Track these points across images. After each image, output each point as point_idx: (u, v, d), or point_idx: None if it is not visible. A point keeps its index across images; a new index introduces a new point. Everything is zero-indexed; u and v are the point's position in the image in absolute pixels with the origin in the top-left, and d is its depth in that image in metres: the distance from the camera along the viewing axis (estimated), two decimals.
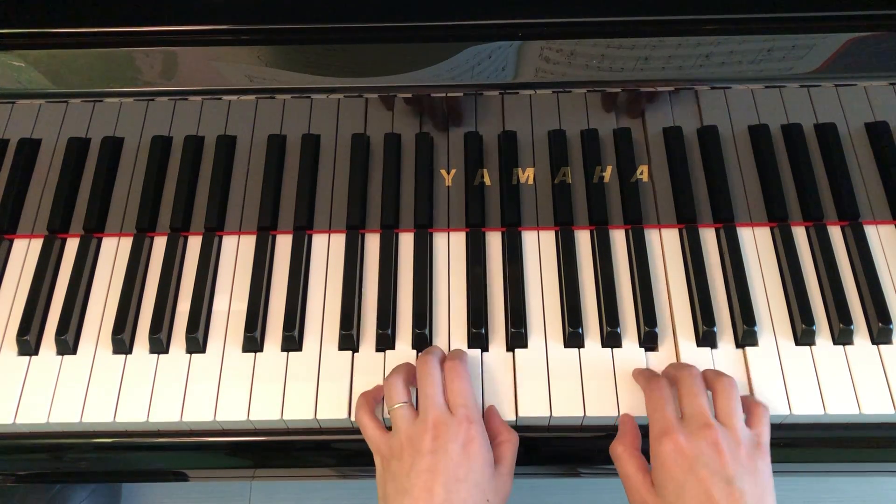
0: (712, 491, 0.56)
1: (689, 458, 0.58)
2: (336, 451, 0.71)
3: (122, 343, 0.71)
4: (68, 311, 0.72)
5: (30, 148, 0.76)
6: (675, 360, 0.70)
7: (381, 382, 0.69)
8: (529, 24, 0.67)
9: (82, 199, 0.77)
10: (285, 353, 0.71)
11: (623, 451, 0.63)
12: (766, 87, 0.70)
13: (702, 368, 0.67)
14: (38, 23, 0.67)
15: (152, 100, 0.71)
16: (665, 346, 0.70)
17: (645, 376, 0.66)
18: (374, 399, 0.67)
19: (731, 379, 0.63)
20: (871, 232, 0.76)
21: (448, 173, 0.76)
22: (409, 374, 0.66)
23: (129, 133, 0.75)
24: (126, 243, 0.77)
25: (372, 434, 0.64)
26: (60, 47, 0.67)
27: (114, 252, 0.77)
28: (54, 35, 0.67)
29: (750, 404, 0.64)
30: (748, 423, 0.62)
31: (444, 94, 0.70)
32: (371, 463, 0.64)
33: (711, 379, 0.64)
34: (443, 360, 0.67)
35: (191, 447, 0.71)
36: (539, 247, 0.76)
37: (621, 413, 0.67)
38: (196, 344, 0.71)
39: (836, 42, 0.66)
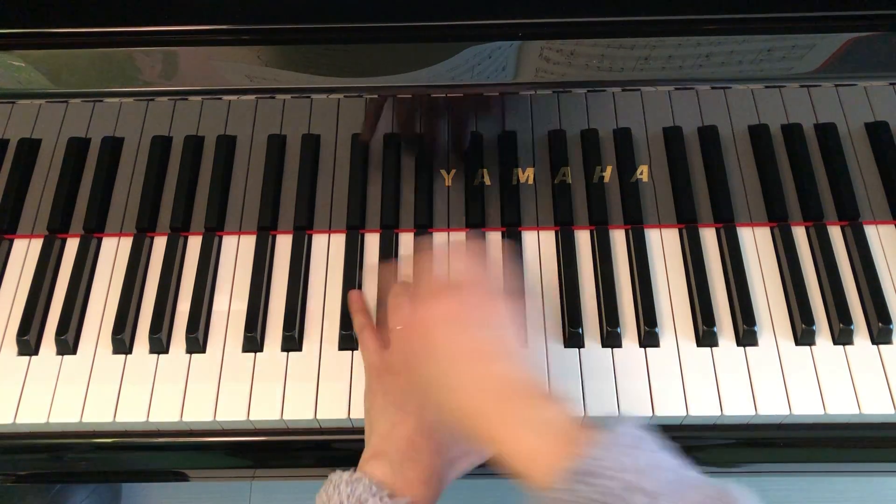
0: (482, 342, 0.55)
1: (458, 316, 0.56)
2: (336, 451, 0.71)
3: (122, 343, 0.71)
4: (68, 311, 0.72)
5: (30, 148, 0.76)
6: (675, 360, 0.70)
7: None
8: (529, 24, 0.67)
9: (82, 199, 0.77)
10: (285, 353, 0.71)
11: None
12: (766, 87, 0.70)
13: (702, 369, 0.68)
14: (38, 23, 0.67)
15: (152, 100, 0.71)
16: (665, 345, 0.70)
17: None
18: (376, 331, 0.67)
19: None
20: (871, 232, 0.76)
21: (448, 173, 0.76)
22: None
23: (129, 133, 0.75)
24: (126, 243, 0.77)
25: (370, 345, 0.65)
26: (60, 47, 0.67)
27: (114, 252, 0.77)
28: (54, 35, 0.67)
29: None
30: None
31: (444, 94, 0.70)
32: None
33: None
34: None
35: (191, 447, 0.71)
36: (539, 247, 0.76)
37: (622, 414, 0.67)
38: (196, 344, 0.71)
39: (836, 42, 0.66)
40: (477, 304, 0.57)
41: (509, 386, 0.52)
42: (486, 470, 0.61)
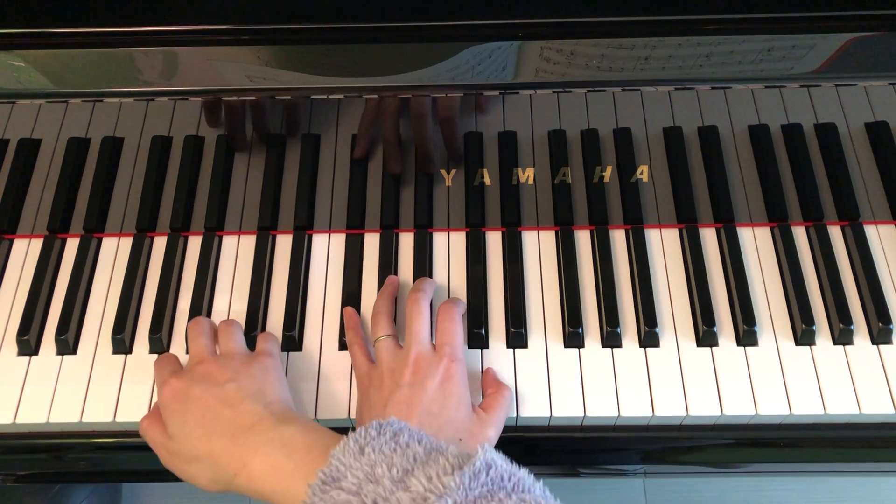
0: (208, 399, 0.59)
1: (183, 389, 0.61)
2: None
3: (122, 343, 0.71)
4: (68, 311, 0.72)
5: (30, 148, 0.76)
6: (675, 360, 0.70)
7: None
8: (529, 24, 0.67)
9: (82, 199, 0.77)
10: (285, 353, 0.71)
11: (147, 423, 0.64)
12: (766, 87, 0.70)
13: (702, 369, 0.68)
14: (38, 23, 0.67)
15: (152, 100, 0.71)
16: (665, 345, 0.70)
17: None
18: (360, 334, 0.69)
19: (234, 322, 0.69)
20: (871, 232, 0.76)
21: (448, 173, 0.76)
22: (393, 306, 0.69)
23: (129, 133, 0.75)
24: (126, 243, 0.77)
25: (358, 361, 0.67)
26: (60, 47, 0.67)
27: (114, 252, 0.77)
28: (54, 35, 0.67)
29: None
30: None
31: (443, 94, 0.70)
32: None
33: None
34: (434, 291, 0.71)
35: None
36: (539, 247, 0.76)
37: (621, 415, 0.67)
38: None
39: (836, 42, 0.66)
40: (227, 367, 0.62)
41: (250, 422, 0.57)
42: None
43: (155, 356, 0.71)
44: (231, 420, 0.58)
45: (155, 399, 0.68)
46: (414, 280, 0.73)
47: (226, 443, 0.57)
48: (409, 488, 0.47)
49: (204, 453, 0.58)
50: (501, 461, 0.49)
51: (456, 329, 0.66)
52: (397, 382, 0.62)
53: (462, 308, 0.70)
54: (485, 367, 0.69)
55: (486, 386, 0.67)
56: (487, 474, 0.48)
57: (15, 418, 0.68)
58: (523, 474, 0.49)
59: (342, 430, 0.69)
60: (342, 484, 0.48)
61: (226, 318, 0.73)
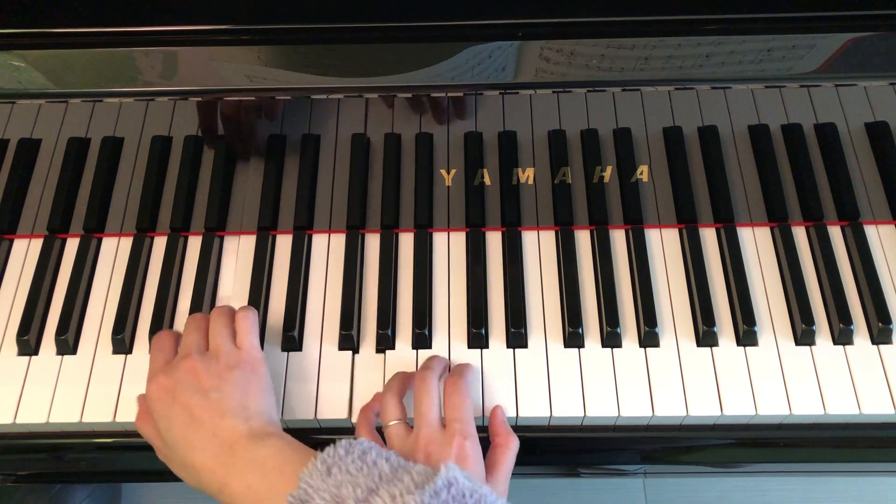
0: (192, 408, 0.59)
1: (169, 389, 0.61)
2: None
3: (122, 343, 0.71)
4: (68, 311, 0.72)
5: (30, 148, 0.76)
6: (675, 360, 0.70)
7: (381, 382, 0.69)
8: (529, 24, 0.67)
9: (82, 199, 0.77)
10: (285, 353, 0.71)
11: (141, 422, 0.64)
12: (766, 87, 0.70)
13: (702, 369, 0.68)
14: (38, 23, 0.67)
15: (152, 100, 0.71)
16: (665, 346, 0.70)
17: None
18: (373, 411, 0.67)
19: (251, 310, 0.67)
20: (871, 232, 0.76)
21: (448, 173, 0.76)
22: (405, 386, 0.66)
23: (128, 133, 0.75)
24: (126, 243, 0.77)
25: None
26: (60, 47, 0.67)
27: (114, 252, 0.77)
28: (54, 35, 0.67)
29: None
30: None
31: (443, 94, 0.70)
32: None
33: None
34: (443, 368, 0.67)
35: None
36: (539, 247, 0.76)
37: (621, 415, 0.67)
38: None
39: (836, 42, 0.66)
40: (213, 371, 0.62)
41: (230, 440, 0.58)
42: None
43: None
44: (213, 436, 0.58)
45: None
46: (415, 278, 0.73)
47: (208, 460, 0.58)
48: None
49: (190, 464, 0.59)
50: (463, 479, 0.50)
51: (464, 404, 0.63)
52: None
53: (469, 377, 0.67)
54: (493, 405, 0.67)
55: (495, 434, 0.65)
56: (448, 491, 0.48)
57: (15, 418, 0.68)
58: (486, 491, 0.50)
59: (343, 430, 0.69)
60: (311, 498, 0.50)
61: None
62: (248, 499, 0.55)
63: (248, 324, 0.66)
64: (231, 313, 0.68)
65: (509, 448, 0.64)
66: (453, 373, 0.66)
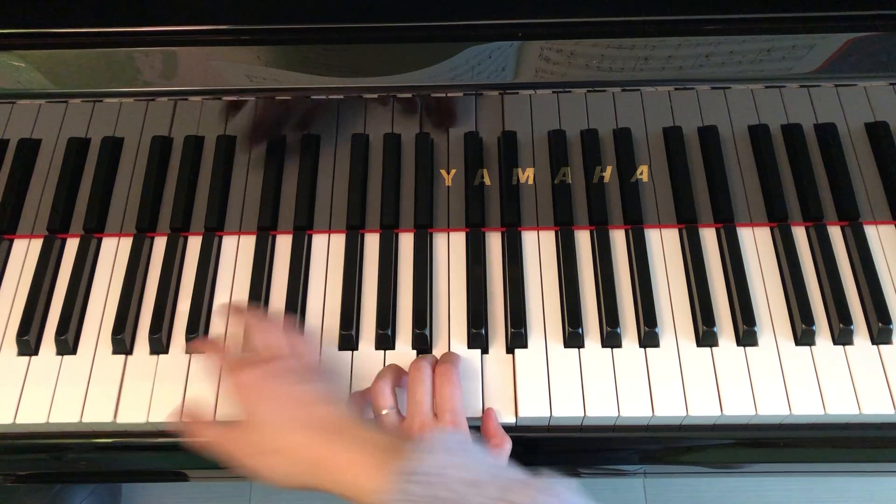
0: (287, 400, 0.59)
1: (259, 382, 0.61)
2: None
3: (122, 343, 0.71)
4: (68, 311, 0.72)
5: (30, 148, 0.76)
6: (675, 361, 0.70)
7: None
8: (529, 24, 0.67)
9: (82, 199, 0.77)
10: None
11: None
12: (766, 87, 0.70)
13: (702, 369, 0.68)
14: (38, 23, 0.67)
15: (152, 100, 0.71)
16: (665, 346, 0.70)
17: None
18: (364, 399, 0.67)
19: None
20: (871, 232, 0.76)
21: (448, 173, 0.76)
22: (397, 377, 0.66)
23: (129, 133, 0.75)
24: (126, 243, 0.77)
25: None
26: (60, 47, 0.67)
27: (114, 252, 0.77)
28: (54, 35, 0.67)
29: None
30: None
31: (443, 94, 0.70)
32: None
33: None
34: (434, 363, 0.67)
35: (191, 447, 0.71)
36: (539, 247, 0.76)
37: (621, 415, 0.67)
38: None
39: (836, 42, 0.66)
40: (294, 366, 0.62)
41: (330, 422, 0.58)
42: None
43: (155, 357, 0.71)
44: (310, 417, 0.58)
45: (157, 399, 0.68)
46: (415, 278, 0.73)
47: (307, 437, 0.57)
48: (479, 485, 0.50)
49: (282, 445, 0.57)
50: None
51: (455, 392, 0.63)
52: None
53: (458, 364, 0.67)
54: (485, 412, 0.68)
55: (490, 436, 0.65)
56: None
57: (15, 418, 0.68)
58: None
59: None
60: (417, 477, 0.51)
61: (225, 315, 0.73)
62: (350, 476, 0.54)
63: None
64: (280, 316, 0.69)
65: (503, 449, 0.64)
66: (442, 362, 0.66)
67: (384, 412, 0.63)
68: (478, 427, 0.66)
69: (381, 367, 0.70)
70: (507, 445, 0.65)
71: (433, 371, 0.65)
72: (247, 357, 0.64)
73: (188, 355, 0.71)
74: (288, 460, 0.57)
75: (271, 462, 0.58)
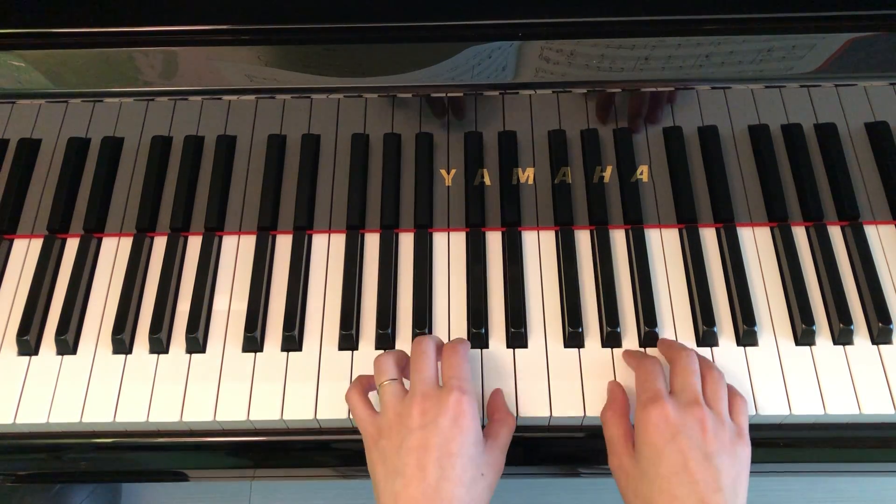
0: (690, 462, 0.57)
1: (672, 427, 0.58)
2: (336, 451, 0.71)
3: (122, 343, 0.71)
4: (68, 311, 0.72)
5: (30, 148, 0.76)
6: None
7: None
8: (529, 24, 0.67)
9: (82, 199, 0.77)
10: (285, 353, 0.71)
11: (611, 415, 0.64)
12: (766, 87, 0.70)
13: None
14: (38, 23, 0.67)
15: (152, 100, 0.71)
16: None
17: (637, 356, 0.67)
18: (369, 382, 0.66)
19: (720, 372, 0.64)
20: (871, 232, 0.76)
21: (448, 173, 0.76)
22: (402, 357, 0.65)
23: (129, 133, 0.75)
24: (126, 243, 0.77)
25: (361, 413, 0.63)
26: (60, 47, 0.67)
27: (114, 252, 0.77)
28: (54, 35, 0.67)
29: (731, 395, 0.64)
30: (730, 413, 0.63)
31: (443, 94, 0.70)
32: None
33: (703, 368, 0.64)
34: (439, 343, 0.66)
35: (191, 447, 0.71)
36: (539, 247, 0.76)
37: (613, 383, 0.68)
38: (196, 344, 0.71)
39: (836, 42, 0.66)
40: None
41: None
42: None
43: (155, 356, 0.71)
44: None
45: (157, 399, 0.69)
46: (415, 278, 0.73)
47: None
48: None
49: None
50: None
51: (462, 363, 0.63)
52: (408, 427, 0.59)
53: (466, 346, 0.66)
54: (493, 388, 0.68)
55: (494, 410, 0.65)
56: None
57: (15, 418, 0.68)
58: None
59: (343, 430, 0.69)
60: None
61: (226, 318, 0.73)
62: None
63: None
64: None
65: (507, 424, 0.64)
66: (451, 341, 0.66)
67: (385, 382, 0.62)
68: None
69: None
70: (512, 420, 0.65)
71: (438, 350, 0.65)
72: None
73: (189, 355, 0.71)
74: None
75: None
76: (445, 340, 0.71)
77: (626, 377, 0.68)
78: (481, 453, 0.60)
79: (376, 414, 0.62)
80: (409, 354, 0.65)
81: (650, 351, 0.70)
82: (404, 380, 0.64)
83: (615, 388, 0.66)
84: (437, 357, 0.64)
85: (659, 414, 0.59)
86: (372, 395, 0.65)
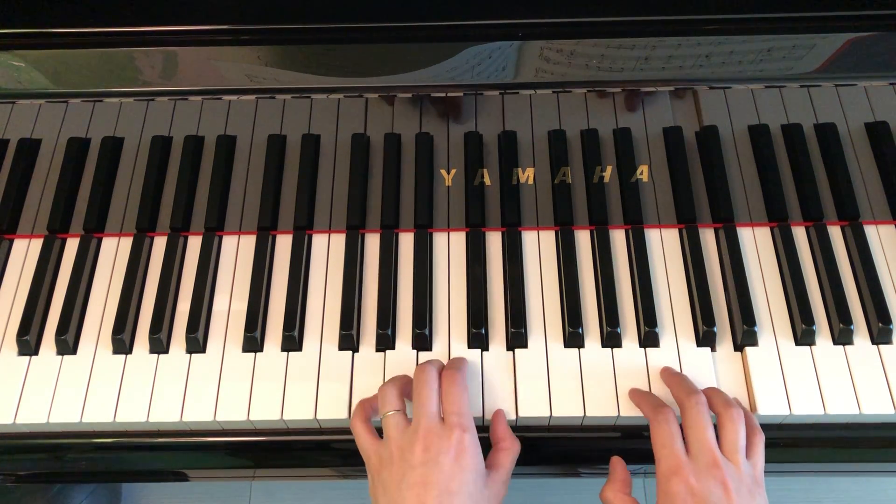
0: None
1: (697, 495, 0.58)
2: (336, 451, 0.71)
3: (122, 343, 0.71)
4: (68, 311, 0.72)
5: (30, 148, 0.76)
6: (675, 361, 0.70)
7: (381, 383, 0.69)
8: (529, 24, 0.67)
9: (82, 199, 0.77)
10: (285, 353, 0.71)
11: (613, 495, 0.63)
12: (766, 87, 0.70)
13: (702, 371, 0.68)
14: (38, 23, 0.67)
15: (152, 100, 0.71)
16: (665, 346, 0.70)
17: (650, 404, 0.65)
18: (372, 407, 0.66)
19: (739, 411, 0.63)
20: (871, 232, 0.76)
21: (448, 173, 0.76)
22: (405, 385, 0.66)
23: (129, 133, 0.75)
24: (126, 243, 0.77)
25: (364, 442, 0.63)
26: (60, 47, 0.67)
27: (114, 252, 0.77)
28: (54, 35, 0.67)
29: (749, 432, 0.63)
30: (747, 453, 0.62)
31: (443, 94, 0.70)
32: None
33: (719, 407, 0.63)
34: (441, 368, 0.67)
35: (191, 447, 0.71)
36: (539, 247, 0.76)
37: (621, 415, 0.67)
38: (196, 344, 0.71)
39: (836, 42, 0.66)
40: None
41: None
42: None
43: (155, 356, 0.71)
44: None
45: (157, 399, 0.68)
46: (415, 278, 0.73)
47: None
48: None
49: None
50: None
51: (462, 397, 0.63)
52: (409, 462, 0.59)
53: (465, 370, 0.67)
54: (494, 408, 0.68)
55: (499, 439, 0.65)
56: None
57: (15, 418, 0.68)
58: None
59: (342, 430, 0.69)
60: None
61: (226, 318, 0.73)
62: None
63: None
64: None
65: (512, 451, 0.64)
66: (449, 366, 0.66)
67: (389, 413, 0.62)
68: (485, 428, 0.66)
69: (382, 367, 0.70)
70: (517, 447, 0.65)
71: (439, 376, 0.65)
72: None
73: (189, 355, 0.71)
74: None
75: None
76: (445, 343, 0.71)
77: (627, 377, 0.68)
78: (482, 488, 0.60)
79: (379, 442, 0.63)
80: (412, 379, 0.65)
81: (654, 387, 0.68)
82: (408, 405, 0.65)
83: (615, 464, 0.66)
84: (438, 383, 0.64)
85: (681, 485, 0.59)
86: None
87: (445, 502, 0.57)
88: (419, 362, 0.69)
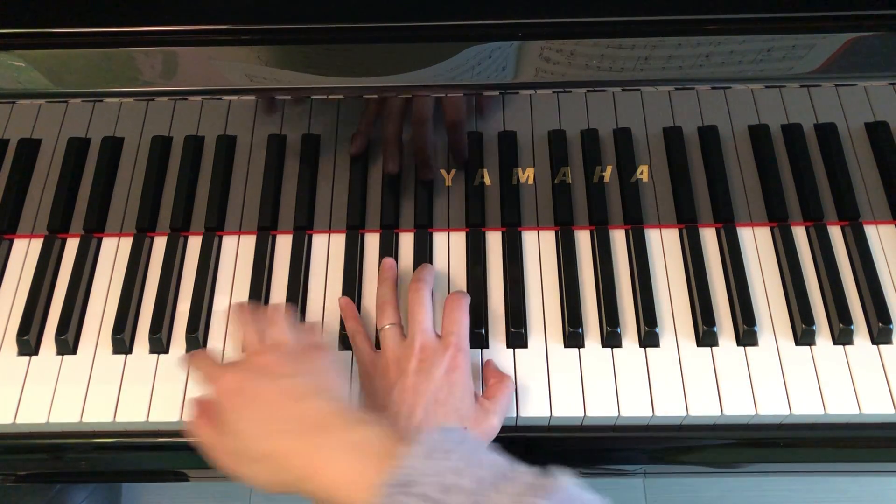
0: (269, 394, 0.56)
1: (240, 383, 0.57)
2: None
3: (122, 343, 0.71)
4: (68, 311, 0.72)
5: (30, 148, 0.76)
6: (675, 360, 0.70)
7: None
8: (529, 24, 0.67)
9: (82, 199, 0.77)
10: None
11: (198, 422, 0.61)
12: (766, 87, 0.70)
13: (702, 369, 0.68)
14: (38, 23, 0.67)
15: (152, 100, 0.71)
16: (665, 345, 0.70)
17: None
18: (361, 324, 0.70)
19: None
20: (871, 232, 0.76)
21: (448, 173, 0.76)
22: (396, 292, 0.70)
23: (129, 133, 0.75)
24: (126, 243, 0.77)
25: (362, 350, 0.67)
26: (60, 47, 0.67)
27: (114, 252, 0.77)
28: (54, 35, 0.67)
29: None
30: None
31: (443, 94, 0.70)
32: None
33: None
34: (434, 279, 0.71)
35: (191, 447, 0.71)
36: (539, 247, 0.76)
37: (621, 415, 0.67)
38: (196, 344, 0.71)
39: (836, 42, 0.66)
40: (285, 359, 0.59)
41: (318, 420, 0.53)
42: None
43: (155, 356, 0.71)
44: (297, 418, 0.54)
45: (157, 399, 0.68)
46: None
47: (292, 442, 0.53)
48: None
49: (267, 452, 0.54)
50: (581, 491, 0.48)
51: (463, 319, 0.66)
52: (403, 370, 0.63)
53: (468, 300, 0.70)
54: (485, 363, 0.69)
55: (489, 377, 0.68)
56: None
57: (15, 418, 0.68)
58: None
59: None
60: (412, 490, 0.46)
61: (226, 318, 0.73)
62: (340, 479, 0.50)
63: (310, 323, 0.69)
64: (277, 306, 0.66)
65: (504, 384, 0.66)
66: (455, 292, 0.69)
67: (387, 326, 0.66)
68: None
69: None
70: (510, 380, 0.67)
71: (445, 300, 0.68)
72: (231, 362, 0.62)
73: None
74: (272, 469, 0.54)
75: (255, 470, 0.56)
76: None
77: (627, 377, 0.69)
78: (469, 407, 0.63)
79: (376, 352, 0.67)
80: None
81: (655, 387, 0.69)
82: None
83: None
84: (431, 300, 0.68)
85: (225, 382, 0.58)
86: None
87: (430, 410, 0.60)
88: None
